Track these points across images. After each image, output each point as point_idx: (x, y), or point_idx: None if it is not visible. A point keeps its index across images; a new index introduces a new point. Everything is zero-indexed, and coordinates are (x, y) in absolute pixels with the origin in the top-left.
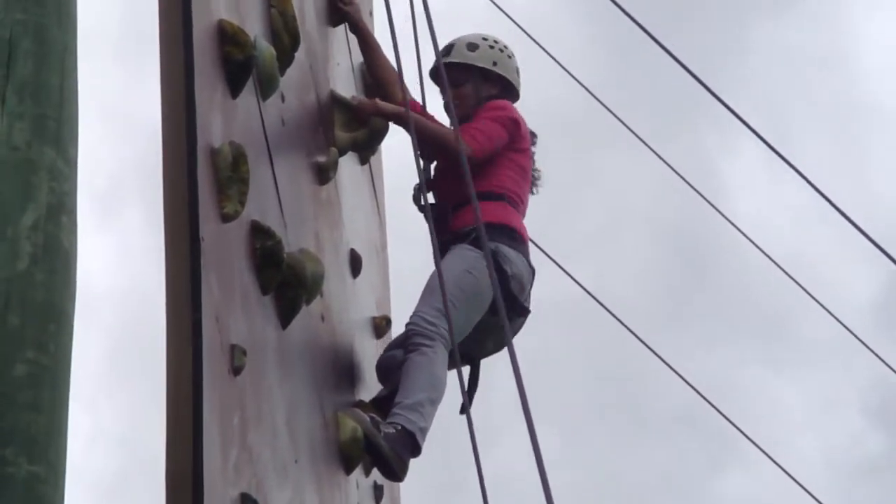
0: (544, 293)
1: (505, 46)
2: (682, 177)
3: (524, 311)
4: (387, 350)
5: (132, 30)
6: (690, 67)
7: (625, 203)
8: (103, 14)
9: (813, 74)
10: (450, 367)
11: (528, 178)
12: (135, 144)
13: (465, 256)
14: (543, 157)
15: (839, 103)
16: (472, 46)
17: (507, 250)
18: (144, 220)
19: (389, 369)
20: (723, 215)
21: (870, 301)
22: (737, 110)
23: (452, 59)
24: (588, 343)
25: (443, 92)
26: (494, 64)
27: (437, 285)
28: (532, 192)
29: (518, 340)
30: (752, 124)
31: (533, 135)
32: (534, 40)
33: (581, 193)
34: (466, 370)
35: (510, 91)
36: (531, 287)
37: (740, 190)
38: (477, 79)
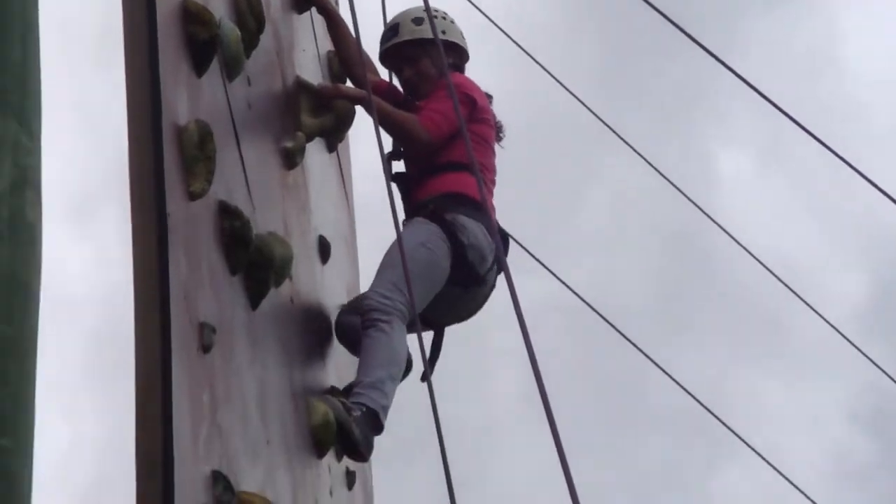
0: (540, 298)
1: (445, 14)
2: (672, 183)
3: (483, 281)
4: (342, 314)
5: (110, 31)
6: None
7: (620, 208)
8: (81, 17)
9: (804, 71)
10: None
11: (491, 147)
12: (111, 148)
13: (419, 230)
14: (540, 159)
15: (830, 99)
16: (418, 21)
17: (464, 220)
18: (121, 225)
19: (350, 331)
20: (713, 221)
21: (859, 305)
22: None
23: (402, 37)
24: (584, 347)
25: (397, 73)
26: (443, 32)
27: (391, 261)
28: (499, 144)
29: (514, 343)
30: (745, 123)
31: (489, 96)
32: (527, 53)
33: (577, 199)
34: (430, 336)
35: (461, 55)
36: (492, 259)
37: (732, 189)
38: (431, 51)
